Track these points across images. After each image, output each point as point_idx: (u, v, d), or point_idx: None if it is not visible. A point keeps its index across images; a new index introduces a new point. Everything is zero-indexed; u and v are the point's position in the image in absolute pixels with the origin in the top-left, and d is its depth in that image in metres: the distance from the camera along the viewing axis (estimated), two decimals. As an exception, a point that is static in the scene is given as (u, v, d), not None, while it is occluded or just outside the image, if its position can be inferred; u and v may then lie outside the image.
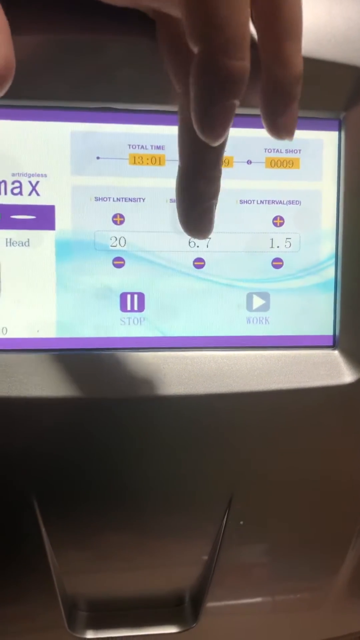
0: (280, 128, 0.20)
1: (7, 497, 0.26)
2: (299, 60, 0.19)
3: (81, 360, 0.27)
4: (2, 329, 0.27)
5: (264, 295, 0.28)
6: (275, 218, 0.28)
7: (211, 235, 0.27)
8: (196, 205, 0.22)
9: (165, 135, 0.27)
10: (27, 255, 0.26)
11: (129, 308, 0.27)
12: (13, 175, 0.26)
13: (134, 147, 0.27)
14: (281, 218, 0.28)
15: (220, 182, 0.22)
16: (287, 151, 0.28)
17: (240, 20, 0.17)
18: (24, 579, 0.27)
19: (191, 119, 0.21)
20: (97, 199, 0.27)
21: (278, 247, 0.28)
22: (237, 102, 0.18)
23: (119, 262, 0.27)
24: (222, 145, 0.21)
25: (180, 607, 0.30)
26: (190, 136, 0.22)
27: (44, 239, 0.26)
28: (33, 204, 0.26)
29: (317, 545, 0.30)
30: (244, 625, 0.30)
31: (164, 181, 0.27)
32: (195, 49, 0.18)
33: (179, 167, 0.22)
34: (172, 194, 0.27)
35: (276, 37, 0.19)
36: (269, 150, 0.28)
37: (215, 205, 0.22)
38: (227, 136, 0.19)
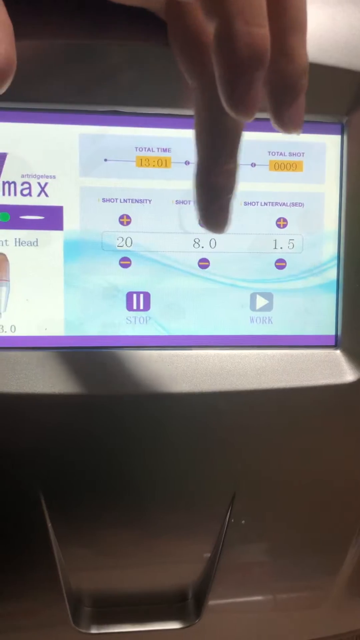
0: (288, 121, 0.20)
1: (15, 493, 0.26)
2: (304, 53, 0.19)
3: (88, 357, 0.27)
4: (11, 327, 0.27)
5: (267, 295, 0.29)
6: (278, 220, 0.29)
7: (216, 236, 0.28)
8: (215, 200, 0.22)
9: (172, 138, 0.27)
10: (35, 254, 0.27)
11: (134, 307, 0.28)
12: (22, 176, 0.26)
13: (140, 149, 0.27)
14: (284, 220, 0.29)
15: (237, 176, 0.22)
16: (290, 154, 0.28)
17: None
18: (30, 574, 0.28)
19: (206, 115, 0.21)
20: (104, 200, 0.27)
21: (281, 248, 0.29)
22: (261, 74, 0.18)
23: (125, 262, 0.28)
24: (238, 138, 0.22)
25: (183, 604, 0.30)
26: (206, 131, 0.22)
27: (53, 239, 0.27)
28: (42, 205, 0.27)
29: (318, 544, 0.30)
30: (245, 622, 0.31)
31: (170, 183, 0.27)
32: (213, 24, 0.18)
33: (197, 163, 0.22)
34: (178, 195, 0.27)
35: (281, 30, 0.19)
36: (273, 154, 0.28)
37: (232, 200, 0.22)
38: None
